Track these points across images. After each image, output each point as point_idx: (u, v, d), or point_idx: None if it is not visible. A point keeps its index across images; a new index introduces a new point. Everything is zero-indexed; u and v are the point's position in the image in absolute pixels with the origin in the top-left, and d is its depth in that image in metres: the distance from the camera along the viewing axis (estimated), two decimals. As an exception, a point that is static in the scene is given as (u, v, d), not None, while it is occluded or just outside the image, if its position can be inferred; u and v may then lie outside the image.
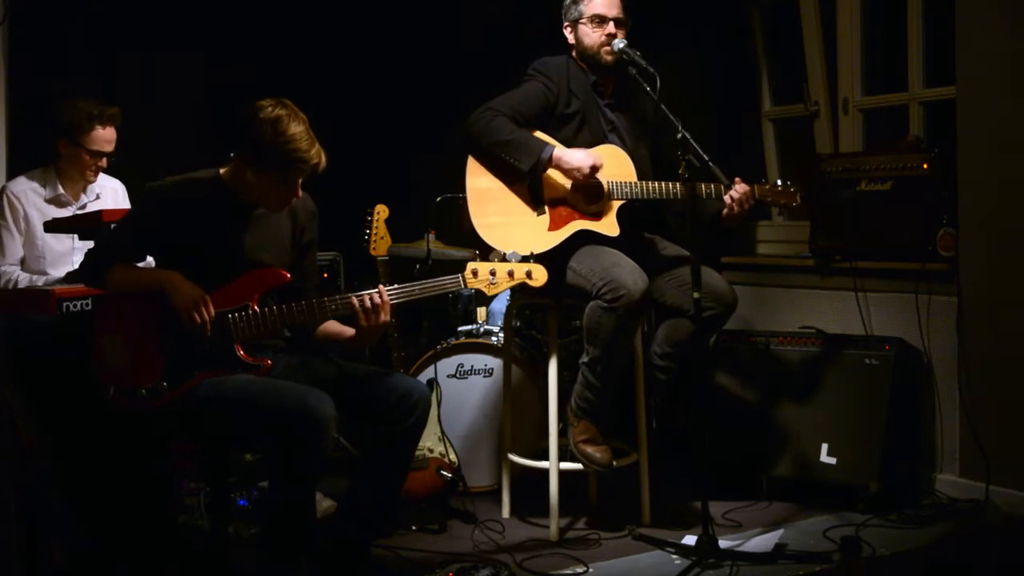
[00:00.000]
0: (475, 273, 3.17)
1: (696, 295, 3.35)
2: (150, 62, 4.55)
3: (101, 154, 3.84)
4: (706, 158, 3.41)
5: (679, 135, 3.37)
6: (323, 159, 3.05)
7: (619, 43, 3.66)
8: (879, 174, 4.11)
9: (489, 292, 3.21)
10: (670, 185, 3.62)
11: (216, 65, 4.59)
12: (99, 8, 4.37)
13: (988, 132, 3.82)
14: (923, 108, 4.28)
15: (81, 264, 3.19)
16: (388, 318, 3.11)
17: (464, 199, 3.64)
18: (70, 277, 3.62)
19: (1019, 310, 3.76)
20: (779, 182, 3.72)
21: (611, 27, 3.71)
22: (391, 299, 3.11)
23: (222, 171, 3.14)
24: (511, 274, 3.19)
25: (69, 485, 3.29)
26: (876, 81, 4.50)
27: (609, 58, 3.70)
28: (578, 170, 3.57)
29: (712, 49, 4.88)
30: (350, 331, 3.21)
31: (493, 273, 3.18)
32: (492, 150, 3.59)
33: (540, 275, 3.21)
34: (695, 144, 3.38)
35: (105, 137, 3.83)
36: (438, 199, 4.30)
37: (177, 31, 4.56)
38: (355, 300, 3.08)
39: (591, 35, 3.72)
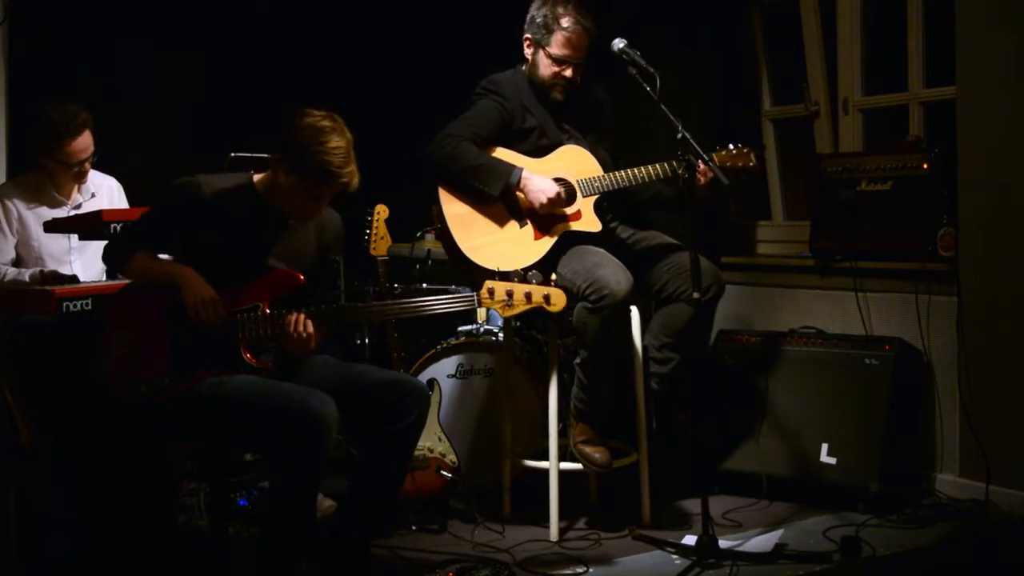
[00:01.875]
0: (491, 293, 3.13)
1: (696, 295, 3.35)
2: (150, 62, 4.54)
3: (82, 161, 3.83)
4: (706, 158, 3.41)
5: (679, 135, 3.37)
6: (355, 180, 3.04)
7: (619, 43, 3.65)
8: (879, 174, 4.11)
9: (504, 314, 3.17)
10: (636, 171, 3.66)
11: (217, 66, 4.59)
12: (99, 8, 4.37)
13: (988, 132, 3.82)
14: (923, 108, 4.28)
15: (106, 247, 3.20)
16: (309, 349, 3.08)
17: (444, 228, 3.64)
18: (58, 275, 3.63)
19: (1019, 310, 3.76)
20: (731, 146, 3.74)
21: (569, 72, 3.71)
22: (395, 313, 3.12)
23: (256, 178, 3.15)
24: (528, 297, 3.13)
25: (69, 485, 3.30)
26: (876, 81, 4.50)
27: (559, 96, 3.74)
28: (540, 203, 3.57)
29: (712, 49, 4.87)
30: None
31: (510, 294, 3.13)
32: (459, 176, 3.61)
33: (559, 300, 3.14)
34: (695, 144, 3.38)
35: (80, 146, 3.76)
36: (417, 234, 4.33)
37: (178, 31, 4.56)
38: (288, 319, 3.03)
39: (547, 69, 3.73)
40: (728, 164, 3.70)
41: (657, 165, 3.64)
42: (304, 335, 3.04)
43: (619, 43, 3.66)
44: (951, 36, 3.93)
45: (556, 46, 3.70)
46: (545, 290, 3.15)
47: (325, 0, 4.89)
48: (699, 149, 3.39)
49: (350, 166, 3.01)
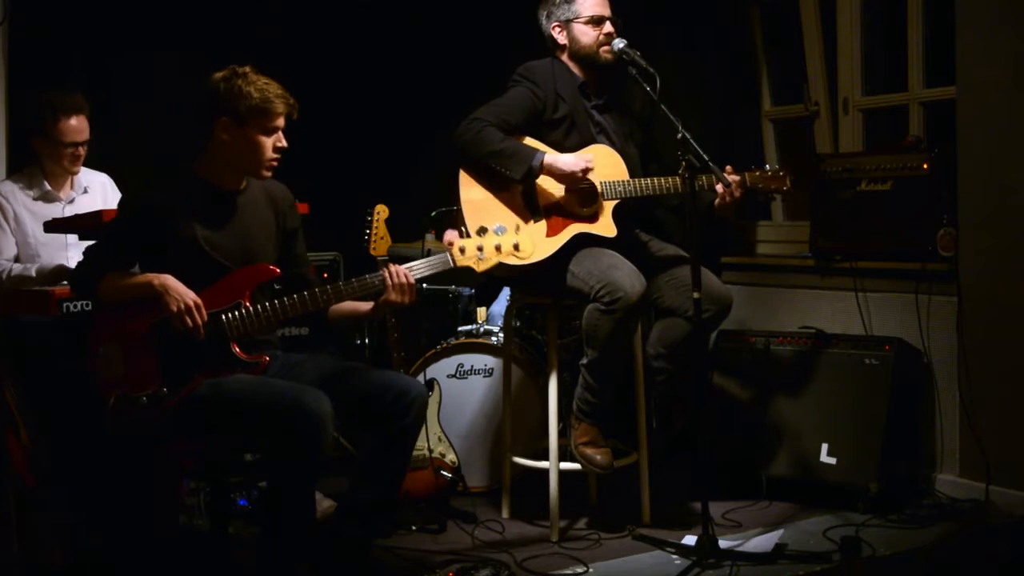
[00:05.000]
0: (463, 250, 3.13)
1: (696, 295, 3.34)
2: (150, 62, 4.55)
3: (75, 143, 3.84)
4: (706, 158, 3.41)
5: (679, 135, 3.37)
6: (296, 104, 3.13)
7: (619, 43, 3.66)
8: (879, 174, 4.11)
9: (479, 268, 3.15)
10: (662, 180, 3.62)
11: (217, 66, 4.58)
12: (99, 8, 4.37)
13: (988, 132, 3.82)
14: (923, 108, 4.28)
15: (71, 278, 3.21)
16: (413, 298, 3.14)
17: (459, 211, 3.63)
18: (63, 271, 3.63)
19: (1019, 310, 3.76)
20: (768, 167, 3.69)
21: (608, 26, 3.70)
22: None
23: (198, 167, 3.16)
24: (499, 248, 3.13)
25: (69, 485, 3.29)
26: (876, 81, 4.50)
27: (608, 57, 3.70)
28: (571, 174, 3.56)
29: (712, 49, 4.88)
30: (365, 307, 3.22)
31: (480, 249, 3.13)
32: (483, 161, 3.57)
33: (527, 246, 3.15)
34: (695, 144, 3.37)
35: (74, 127, 3.82)
36: (432, 213, 4.30)
37: (177, 31, 4.56)
38: (386, 273, 3.10)
39: (589, 34, 3.71)
40: (760, 186, 3.66)
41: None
42: (406, 283, 3.10)
43: (619, 43, 3.66)
44: (951, 36, 3.93)
45: (587, 9, 3.70)
46: (513, 238, 3.15)
47: (327, 2, 4.90)
48: (699, 149, 3.38)
49: (284, 90, 3.10)
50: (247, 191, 3.21)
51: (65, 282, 3.57)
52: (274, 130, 3.10)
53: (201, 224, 3.10)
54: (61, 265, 3.71)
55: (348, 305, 3.24)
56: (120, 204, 3.22)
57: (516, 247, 3.15)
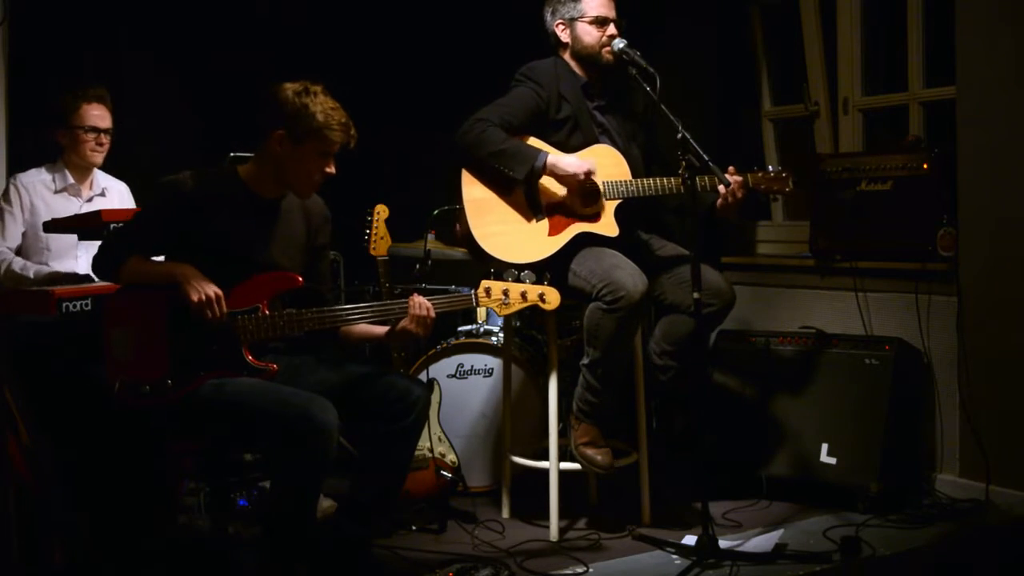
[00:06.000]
0: (488, 292, 3.18)
1: (696, 295, 3.34)
2: (151, 62, 4.55)
3: (97, 130, 3.86)
4: (706, 158, 3.41)
5: (679, 135, 3.37)
6: (355, 134, 3.13)
7: (619, 43, 3.66)
8: (879, 174, 4.11)
9: (500, 313, 3.23)
10: (665, 181, 3.61)
11: (217, 65, 4.59)
12: (100, 7, 4.37)
13: (988, 132, 3.82)
14: (923, 108, 4.28)
15: (95, 256, 3.17)
16: (429, 332, 3.18)
17: (461, 210, 3.63)
18: (56, 277, 3.63)
19: (1019, 310, 3.76)
20: (771, 168, 3.69)
21: (612, 28, 3.70)
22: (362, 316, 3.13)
23: (240, 169, 3.15)
24: (524, 296, 3.20)
25: (69, 485, 3.29)
26: (876, 81, 4.50)
27: (610, 58, 3.70)
28: (573, 176, 3.56)
29: (712, 49, 4.88)
30: (379, 331, 3.24)
31: (506, 293, 3.19)
32: (486, 161, 3.58)
33: (553, 298, 3.22)
34: (695, 144, 3.37)
35: (95, 112, 3.86)
36: (435, 212, 4.30)
37: (179, 32, 4.56)
38: (411, 302, 3.12)
39: (592, 34, 3.71)
40: (762, 187, 3.65)
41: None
42: (427, 316, 3.12)
43: (619, 43, 3.66)
44: (951, 36, 3.93)
45: (592, 9, 3.70)
46: (540, 289, 3.22)
47: (327, 3, 4.90)
48: (699, 149, 3.38)
49: (348, 119, 3.09)
50: (285, 200, 3.22)
51: (59, 286, 3.57)
52: (327, 156, 3.10)
53: (234, 225, 3.10)
54: (56, 271, 3.71)
55: (362, 327, 3.25)
56: (157, 188, 3.16)
57: (542, 297, 3.22)
